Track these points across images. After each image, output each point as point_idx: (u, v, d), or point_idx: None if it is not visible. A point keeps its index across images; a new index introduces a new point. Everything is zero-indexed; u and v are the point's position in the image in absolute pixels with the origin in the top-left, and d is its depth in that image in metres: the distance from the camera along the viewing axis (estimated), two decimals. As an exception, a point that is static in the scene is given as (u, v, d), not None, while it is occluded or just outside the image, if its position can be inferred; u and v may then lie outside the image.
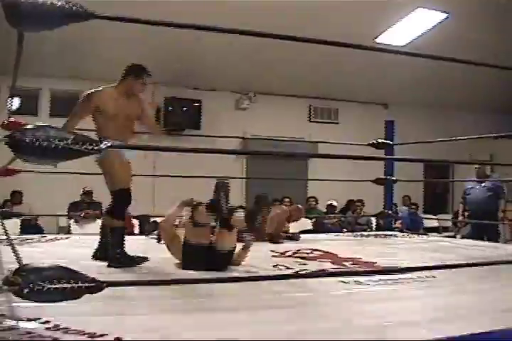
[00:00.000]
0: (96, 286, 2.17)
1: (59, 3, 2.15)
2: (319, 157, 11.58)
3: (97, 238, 4.76)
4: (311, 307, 3.12)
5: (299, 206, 7.45)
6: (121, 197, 4.44)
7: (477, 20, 10.34)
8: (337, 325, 2.67)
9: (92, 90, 4.43)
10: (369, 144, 7.48)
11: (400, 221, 10.68)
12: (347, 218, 11.52)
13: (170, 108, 11.64)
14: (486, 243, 7.49)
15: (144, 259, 4.39)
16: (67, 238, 6.63)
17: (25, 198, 10.43)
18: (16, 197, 10.32)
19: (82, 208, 10.02)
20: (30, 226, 9.68)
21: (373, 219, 11.15)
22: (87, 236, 6.44)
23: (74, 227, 9.85)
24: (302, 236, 7.37)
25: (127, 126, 4.54)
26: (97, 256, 4.63)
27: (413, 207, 12.20)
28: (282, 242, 6.58)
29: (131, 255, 4.39)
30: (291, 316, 2.85)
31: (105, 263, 4.29)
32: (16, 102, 9.71)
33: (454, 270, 4.09)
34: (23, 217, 9.30)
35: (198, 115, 11.87)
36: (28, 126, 2.12)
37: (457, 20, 10.34)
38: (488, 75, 10.85)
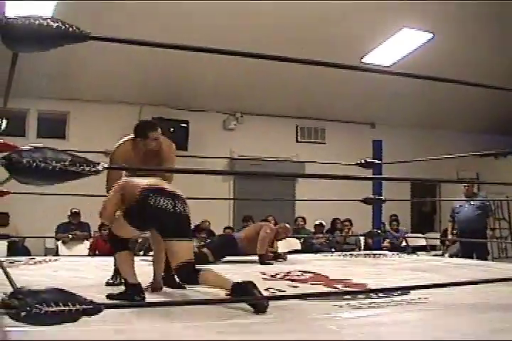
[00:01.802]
0: (93, 308, 2.15)
1: (55, 25, 2.15)
2: (307, 177, 11.62)
3: (87, 259, 4.73)
4: (304, 332, 3.09)
5: (287, 225, 7.44)
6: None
7: (462, 39, 10.44)
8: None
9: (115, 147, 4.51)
10: (357, 164, 7.51)
11: (387, 240, 10.72)
12: (335, 238, 11.51)
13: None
14: (476, 261, 7.52)
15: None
16: (55, 260, 6.58)
17: (12, 220, 10.34)
18: (3, 218, 10.22)
19: (70, 229, 9.98)
20: (17, 248, 9.61)
21: (362, 239, 11.16)
22: (77, 258, 6.41)
23: (62, 249, 9.78)
24: (292, 256, 7.36)
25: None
26: (111, 283, 4.58)
27: (394, 223, 12.23)
28: (272, 263, 6.55)
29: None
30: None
31: (102, 285, 4.25)
32: (3, 123, 9.68)
33: (446, 290, 4.09)
34: (10, 239, 9.22)
35: (185, 136, 11.85)
36: (25, 147, 2.11)
37: (442, 40, 10.44)
38: (474, 95, 10.98)
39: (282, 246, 8.86)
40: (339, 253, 8.71)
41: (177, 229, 3.88)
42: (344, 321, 3.31)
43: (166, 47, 2.67)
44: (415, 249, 11.32)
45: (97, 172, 2.20)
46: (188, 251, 3.90)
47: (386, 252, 8.47)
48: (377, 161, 7.74)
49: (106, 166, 2.23)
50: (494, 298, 4.10)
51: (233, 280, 3.62)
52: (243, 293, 3.51)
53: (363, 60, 10.98)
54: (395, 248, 10.61)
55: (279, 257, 6.97)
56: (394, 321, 3.33)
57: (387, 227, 12.03)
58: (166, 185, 4.00)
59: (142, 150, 4.50)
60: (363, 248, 10.86)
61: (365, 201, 7.78)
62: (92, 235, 9.90)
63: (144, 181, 3.92)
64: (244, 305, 3.46)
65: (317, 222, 11.78)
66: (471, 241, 8.42)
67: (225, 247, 6.73)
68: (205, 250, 6.45)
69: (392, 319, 3.39)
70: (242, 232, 7.21)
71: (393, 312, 3.56)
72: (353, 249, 10.37)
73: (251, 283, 3.55)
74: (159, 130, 4.59)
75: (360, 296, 4.00)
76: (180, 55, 8.03)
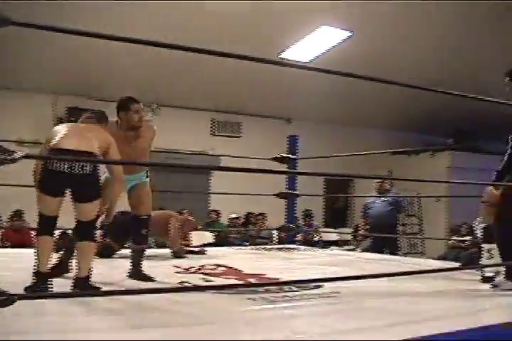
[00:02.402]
0: (7, 300, 2.08)
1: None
2: (222, 170, 11.58)
3: None
4: (219, 325, 3.08)
5: (190, 218, 7.43)
6: (144, 223, 4.81)
7: (380, 38, 10.61)
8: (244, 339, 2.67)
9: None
10: (272, 158, 7.52)
11: (301, 234, 10.82)
12: (249, 231, 11.54)
13: (72, 118, 11.34)
14: (386, 256, 7.67)
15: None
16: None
17: None
18: None
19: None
20: None
21: (275, 233, 11.22)
22: None
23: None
24: (206, 249, 7.33)
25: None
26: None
27: (307, 218, 12.35)
28: (185, 257, 6.48)
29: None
30: (200, 333, 2.82)
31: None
32: None
33: (357, 284, 4.15)
34: None
35: (102, 126, 11.61)
36: None
37: (361, 39, 10.59)
38: (389, 93, 11.18)
39: (195, 240, 8.83)
40: (252, 246, 8.75)
41: (79, 191, 3.85)
42: (257, 313, 3.31)
43: (86, 35, 2.59)
44: (328, 244, 11.49)
45: (14, 160, 2.13)
46: (92, 212, 3.92)
47: (299, 246, 8.55)
48: (292, 156, 7.79)
49: (24, 155, 2.17)
50: (403, 290, 4.20)
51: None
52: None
53: (281, 56, 11.01)
54: (308, 242, 10.73)
55: (198, 252, 6.92)
56: (307, 314, 3.36)
57: (301, 222, 12.16)
58: (78, 144, 3.87)
59: (123, 131, 4.66)
60: (277, 242, 10.93)
61: (279, 195, 7.80)
62: (2, 225, 9.61)
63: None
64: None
65: (231, 216, 11.78)
66: (383, 236, 8.57)
67: (126, 231, 6.46)
68: (107, 240, 6.31)
69: (305, 312, 3.42)
70: None
71: (306, 306, 3.59)
72: (266, 243, 10.43)
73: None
74: (141, 104, 4.81)
75: (273, 290, 4.01)
76: (100, 45, 7.92)
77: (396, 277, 4.41)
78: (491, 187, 4.96)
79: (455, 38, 10.70)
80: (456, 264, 6.49)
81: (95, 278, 3.93)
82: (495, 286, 4.32)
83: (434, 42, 10.86)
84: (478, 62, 11.74)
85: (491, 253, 4.89)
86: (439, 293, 4.28)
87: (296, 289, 4.08)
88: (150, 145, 5.02)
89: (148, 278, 4.53)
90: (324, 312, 3.44)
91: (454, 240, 11.31)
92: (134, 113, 4.72)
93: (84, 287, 3.79)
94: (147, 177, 5.02)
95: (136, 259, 4.73)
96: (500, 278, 4.41)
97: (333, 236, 13.36)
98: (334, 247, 11.18)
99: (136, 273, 4.64)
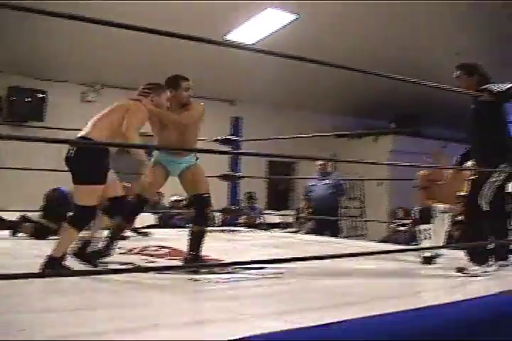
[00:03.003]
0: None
1: None
2: (165, 151, 11.50)
3: None
4: (160, 305, 3.09)
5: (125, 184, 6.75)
6: (207, 200, 4.94)
7: (326, 22, 10.64)
8: (188, 320, 2.68)
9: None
10: (215, 140, 7.52)
11: (243, 216, 10.86)
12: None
13: (13, 98, 11.14)
14: (328, 238, 7.77)
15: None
16: None
17: None
18: None
19: None
20: None
21: (218, 215, 11.23)
22: None
23: None
24: (149, 231, 7.32)
25: None
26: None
27: (250, 200, 12.38)
28: (127, 238, 6.38)
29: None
30: (143, 314, 2.82)
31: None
32: None
33: (299, 265, 4.20)
34: None
35: (42, 106, 11.43)
36: None
37: (307, 22, 10.58)
38: (333, 78, 11.24)
39: (137, 222, 8.78)
40: (195, 228, 8.73)
41: (74, 174, 4.02)
42: (200, 294, 3.34)
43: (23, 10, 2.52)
44: (271, 226, 11.53)
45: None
46: (81, 196, 3.99)
47: (241, 228, 8.59)
48: (235, 138, 7.79)
49: None
50: (344, 271, 4.27)
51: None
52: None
53: (225, 38, 10.96)
54: (251, 224, 10.78)
55: (142, 233, 6.88)
56: (250, 295, 3.39)
57: (243, 204, 12.19)
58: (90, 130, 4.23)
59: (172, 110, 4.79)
60: (219, 224, 10.94)
61: (222, 177, 7.82)
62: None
63: None
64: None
65: (173, 198, 11.73)
66: (324, 219, 8.67)
67: (59, 207, 6.21)
68: (43, 221, 6.21)
69: (248, 293, 3.45)
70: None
71: (249, 286, 3.63)
72: (209, 225, 10.42)
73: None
74: (191, 82, 4.97)
75: (217, 271, 4.04)
76: (38, 23, 7.76)
77: (337, 259, 4.49)
78: (421, 172, 5.32)
79: (401, 22, 10.78)
80: (397, 247, 6.61)
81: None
82: (461, 271, 4.34)
83: (381, 27, 10.94)
84: (422, 47, 11.89)
85: (426, 234, 5.05)
86: (381, 273, 4.36)
87: (239, 270, 4.12)
88: (198, 124, 5.12)
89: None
90: (267, 293, 3.48)
91: (395, 223, 11.49)
92: (184, 90, 4.88)
93: (53, 267, 3.75)
94: (197, 159, 4.99)
95: (197, 242, 4.66)
96: (465, 263, 4.52)
97: (276, 218, 13.43)
98: (277, 229, 11.22)
99: (194, 259, 4.53)
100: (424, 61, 12.18)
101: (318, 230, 8.88)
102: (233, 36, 10.99)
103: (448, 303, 3.15)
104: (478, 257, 4.44)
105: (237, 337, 2.30)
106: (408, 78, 3.98)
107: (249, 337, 2.30)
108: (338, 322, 2.59)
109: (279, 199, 15.32)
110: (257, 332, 2.38)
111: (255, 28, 10.91)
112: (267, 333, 2.36)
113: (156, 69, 11.91)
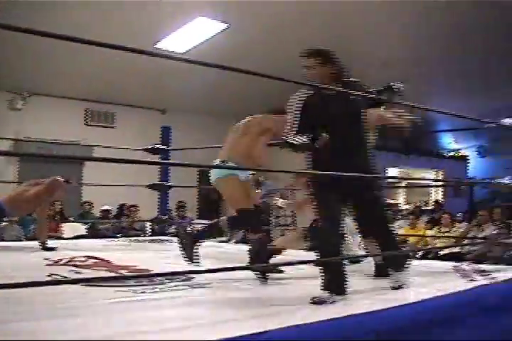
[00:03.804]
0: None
1: None
2: (94, 160, 11.37)
3: None
4: (87, 317, 3.02)
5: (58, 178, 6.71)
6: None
7: (257, 32, 10.67)
8: (118, 330, 2.64)
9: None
10: (144, 149, 7.46)
11: (174, 226, 10.81)
12: (121, 223, 11.41)
13: None
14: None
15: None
16: None
17: None
18: None
19: None
20: None
21: (148, 225, 11.15)
22: None
23: None
24: (77, 241, 7.19)
25: None
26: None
27: (181, 209, 12.36)
28: (55, 248, 6.27)
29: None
30: (67, 326, 2.75)
31: None
32: None
33: (228, 275, 4.20)
34: None
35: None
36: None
37: (237, 31, 10.60)
38: (263, 86, 11.29)
39: (67, 232, 8.66)
40: (125, 238, 8.66)
41: None
42: (126, 305, 3.29)
43: None
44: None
45: None
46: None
47: (172, 238, 8.53)
48: (164, 147, 7.75)
49: None
50: (271, 281, 4.28)
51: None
52: None
53: (156, 46, 10.89)
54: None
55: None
56: (176, 305, 3.36)
57: (174, 213, 12.15)
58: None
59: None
60: (150, 234, 10.86)
61: (152, 187, 7.75)
62: None
63: None
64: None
65: (103, 208, 11.61)
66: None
67: None
68: None
69: (174, 303, 3.42)
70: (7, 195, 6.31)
71: (175, 297, 3.59)
72: (139, 235, 10.35)
73: None
74: None
75: (144, 282, 3.99)
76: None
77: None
78: None
79: (331, 32, 10.89)
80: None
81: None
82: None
83: (309, 36, 11.02)
84: (351, 56, 12.05)
85: None
86: (308, 281, 4.37)
87: (167, 281, 4.08)
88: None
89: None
90: (193, 303, 3.45)
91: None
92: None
93: None
94: None
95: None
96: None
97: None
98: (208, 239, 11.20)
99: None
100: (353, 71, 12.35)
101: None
102: (164, 44, 10.93)
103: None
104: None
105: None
106: (333, 87, 3.98)
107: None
108: (262, 332, 2.59)
109: (210, 208, 15.28)
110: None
111: (186, 37, 10.85)
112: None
113: (85, 78, 11.84)
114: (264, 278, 4.28)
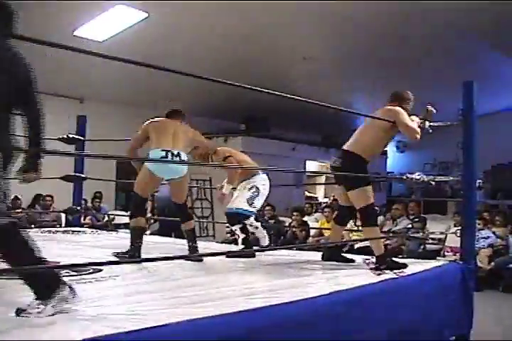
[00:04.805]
0: None
1: None
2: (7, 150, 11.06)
3: None
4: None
5: None
6: None
7: (175, 22, 10.57)
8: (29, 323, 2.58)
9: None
10: (58, 139, 7.31)
11: (89, 217, 10.66)
12: (34, 213, 11.18)
13: None
14: (173, 239, 7.75)
15: None
16: None
17: None
18: None
19: None
20: None
21: (63, 215, 10.96)
22: None
23: None
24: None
25: None
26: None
27: (96, 200, 12.22)
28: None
29: None
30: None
31: None
32: None
33: (137, 267, 4.17)
34: None
35: None
36: None
37: (156, 20, 10.44)
38: (184, 78, 11.21)
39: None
40: (37, 229, 8.49)
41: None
42: (26, 299, 3.21)
43: None
44: (119, 227, 11.38)
45: None
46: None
47: (86, 229, 8.42)
48: (79, 137, 7.60)
49: None
50: (180, 273, 4.27)
51: None
52: None
53: (75, 33, 10.62)
54: (97, 225, 10.62)
55: None
56: (82, 297, 3.29)
57: (89, 204, 11.99)
58: None
59: None
60: (64, 225, 10.67)
61: (65, 178, 7.60)
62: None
63: None
64: None
65: (13, 196, 11.34)
66: (170, 220, 8.62)
67: None
68: None
69: (80, 295, 3.35)
70: None
71: (80, 290, 3.53)
72: (53, 226, 10.16)
73: None
74: None
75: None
76: None
77: (176, 261, 4.49)
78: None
79: (251, 22, 10.87)
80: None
81: None
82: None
83: (230, 28, 11.01)
84: (276, 49, 12.12)
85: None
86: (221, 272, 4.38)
87: (74, 273, 4.01)
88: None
89: None
90: (98, 296, 3.39)
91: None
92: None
93: None
94: None
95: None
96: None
97: (125, 219, 13.23)
98: (125, 230, 11.10)
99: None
100: (273, 63, 12.45)
101: (164, 231, 8.83)
102: (83, 32, 10.68)
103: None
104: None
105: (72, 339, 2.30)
106: (244, 85, 3.94)
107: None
108: (163, 325, 2.58)
109: (129, 199, 15.11)
110: (87, 335, 2.36)
111: (105, 25, 10.62)
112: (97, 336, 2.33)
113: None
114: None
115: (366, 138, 5.02)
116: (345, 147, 5.05)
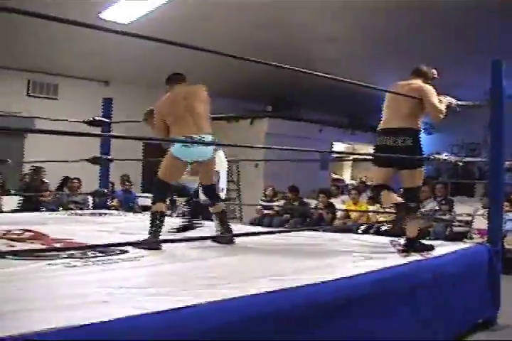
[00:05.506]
0: None
1: None
2: (33, 132, 11.13)
3: None
4: (17, 290, 2.96)
5: None
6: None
7: (199, 4, 10.54)
8: (49, 304, 2.58)
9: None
10: (85, 121, 7.33)
11: (116, 199, 10.71)
12: (62, 196, 11.26)
13: None
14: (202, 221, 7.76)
15: None
16: None
17: None
18: None
19: None
20: None
21: (90, 198, 11.02)
22: None
23: None
24: (14, 215, 7.07)
25: None
26: None
27: (127, 184, 12.25)
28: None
29: None
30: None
31: None
32: None
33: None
34: None
35: None
36: None
37: (181, 4, 10.44)
38: (210, 59, 11.22)
39: (7, 204, 8.50)
40: (65, 211, 8.56)
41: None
42: (54, 280, 3.23)
43: None
44: (145, 209, 11.42)
45: None
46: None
47: (113, 211, 8.46)
48: (105, 119, 7.61)
49: None
50: (208, 255, 4.27)
51: None
52: None
53: (100, 16, 10.66)
54: (125, 207, 10.68)
55: None
56: (104, 279, 3.30)
57: (117, 187, 12.04)
58: None
59: None
60: (91, 207, 10.74)
61: (92, 160, 7.61)
62: None
63: None
64: None
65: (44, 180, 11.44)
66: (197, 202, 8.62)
67: None
68: None
69: (103, 277, 3.36)
70: None
71: (105, 270, 3.55)
72: (81, 208, 10.23)
73: None
74: None
75: (77, 255, 3.93)
76: None
77: (202, 242, 4.51)
78: None
79: (271, 4, 10.80)
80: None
81: None
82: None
83: (252, 11, 10.96)
84: (299, 31, 12.05)
85: None
86: (245, 256, 4.38)
87: (100, 254, 4.04)
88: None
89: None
90: (123, 277, 3.41)
91: (261, 205, 11.74)
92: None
93: None
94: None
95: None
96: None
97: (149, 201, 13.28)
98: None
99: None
100: (305, 45, 12.38)
101: (191, 213, 8.83)
102: (108, 15, 10.71)
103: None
104: None
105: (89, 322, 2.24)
106: (274, 63, 3.91)
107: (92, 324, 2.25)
108: (190, 306, 2.58)
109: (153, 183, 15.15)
110: (109, 317, 2.32)
111: (131, 7, 10.62)
112: (113, 319, 2.32)
113: (28, 48, 11.59)
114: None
115: (408, 111, 4.68)
116: (391, 125, 4.71)
